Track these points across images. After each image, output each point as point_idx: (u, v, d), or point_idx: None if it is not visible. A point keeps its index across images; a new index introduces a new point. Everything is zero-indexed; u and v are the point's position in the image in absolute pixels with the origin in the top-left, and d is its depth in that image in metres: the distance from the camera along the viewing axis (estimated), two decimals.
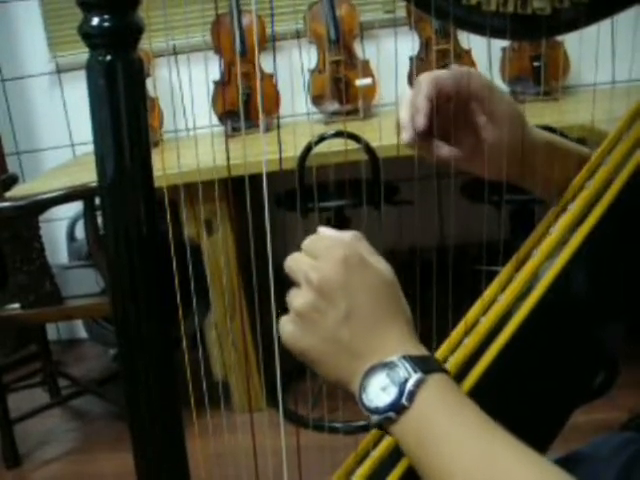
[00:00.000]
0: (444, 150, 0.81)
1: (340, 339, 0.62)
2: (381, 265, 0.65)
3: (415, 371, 0.59)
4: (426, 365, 0.60)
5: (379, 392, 0.60)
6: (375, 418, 0.60)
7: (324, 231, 0.66)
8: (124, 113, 0.63)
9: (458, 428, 0.58)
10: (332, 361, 0.63)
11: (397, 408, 0.58)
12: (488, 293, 0.76)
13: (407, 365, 0.59)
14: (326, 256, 0.63)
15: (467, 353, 0.73)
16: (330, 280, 0.62)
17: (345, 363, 0.62)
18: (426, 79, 0.79)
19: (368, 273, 0.63)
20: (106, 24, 0.61)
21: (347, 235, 0.65)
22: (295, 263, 0.65)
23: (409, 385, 0.58)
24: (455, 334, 0.75)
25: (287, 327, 0.64)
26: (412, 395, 0.58)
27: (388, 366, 0.60)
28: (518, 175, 0.84)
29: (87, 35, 0.62)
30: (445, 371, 0.62)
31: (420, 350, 0.62)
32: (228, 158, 0.86)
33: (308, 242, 0.66)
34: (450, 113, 0.80)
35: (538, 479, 0.54)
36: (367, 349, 0.62)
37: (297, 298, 0.63)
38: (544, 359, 0.71)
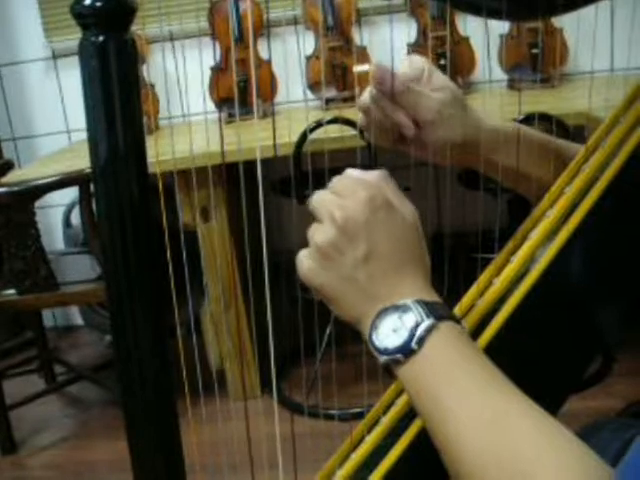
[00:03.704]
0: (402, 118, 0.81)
1: (356, 279, 0.62)
2: (405, 208, 0.65)
3: (427, 316, 0.59)
4: (439, 312, 0.60)
5: (390, 333, 0.60)
6: (383, 358, 0.60)
7: (351, 171, 0.66)
8: (117, 94, 0.62)
9: (465, 376, 0.58)
10: (346, 299, 0.63)
11: (406, 351, 0.59)
12: (484, 277, 0.76)
13: (420, 310, 0.60)
14: (351, 195, 0.63)
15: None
16: (353, 219, 0.62)
17: (359, 303, 0.63)
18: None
19: (391, 216, 0.63)
20: (98, 4, 0.60)
21: (374, 175, 0.65)
22: (320, 200, 0.65)
23: (420, 330, 0.59)
24: None
25: (305, 262, 0.64)
26: (422, 340, 0.59)
27: (401, 309, 0.60)
28: (464, 161, 0.86)
29: (79, 15, 0.61)
30: (458, 320, 0.62)
31: (434, 297, 0.63)
32: (222, 144, 0.86)
33: (335, 181, 0.66)
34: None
35: (546, 432, 0.54)
36: (382, 292, 0.62)
37: (318, 234, 0.63)
38: (539, 343, 0.71)
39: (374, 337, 0.61)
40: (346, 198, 0.63)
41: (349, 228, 0.62)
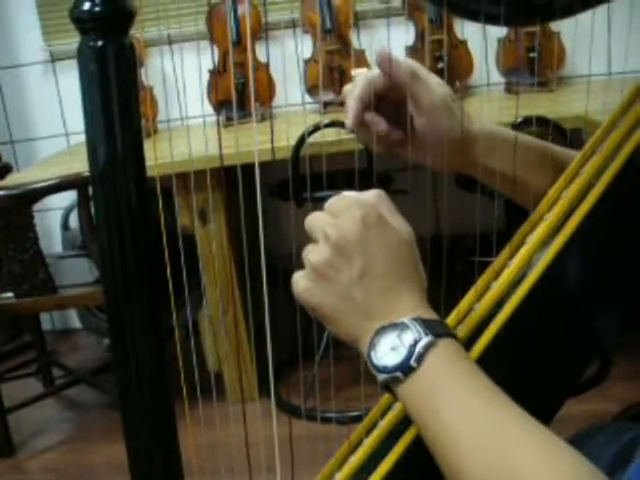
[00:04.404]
0: (382, 126, 0.81)
1: (353, 298, 0.62)
2: (401, 226, 0.65)
3: (426, 334, 0.59)
4: (437, 329, 0.60)
5: (388, 352, 0.60)
6: (382, 377, 0.60)
7: (347, 193, 0.66)
8: (115, 98, 0.62)
9: (463, 392, 0.58)
10: (344, 318, 0.63)
11: (405, 369, 0.59)
12: (481, 281, 0.76)
13: (418, 327, 0.60)
14: (345, 214, 0.63)
15: (460, 340, 0.72)
16: (348, 238, 0.62)
17: (356, 322, 0.63)
18: (359, 80, 0.81)
19: (386, 234, 0.63)
20: (97, 8, 0.60)
21: (369, 194, 0.65)
22: (315, 220, 0.65)
23: (419, 347, 0.59)
24: (448, 322, 0.75)
25: (301, 282, 0.64)
26: (421, 357, 0.59)
27: (399, 327, 0.60)
28: (460, 165, 0.85)
29: (78, 20, 0.61)
30: (455, 337, 0.62)
31: (431, 314, 0.63)
32: (220, 147, 0.86)
33: (330, 201, 0.65)
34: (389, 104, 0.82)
35: (543, 447, 0.54)
36: (379, 310, 0.62)
37: (314, 254, 0.63)
38: (537, 346, 0.71)
39: (373, 356, 0.61)
40: (340, 217, 0.63)
41: (344, 246, 0.62)
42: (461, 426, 0.57)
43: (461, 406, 0.58)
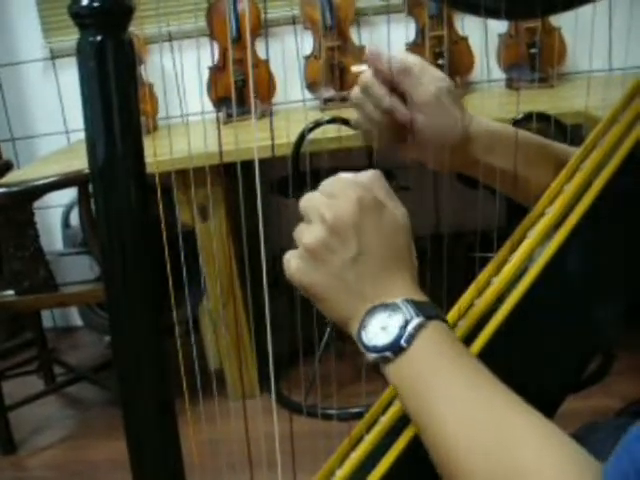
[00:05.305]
0: (403, 111, 0.81)
1: (346, 279, 0.62)
2: (397, 209, 0.65)
3: (417, 315, 0.60)
4: (428, 311, 0.61)
5: (379, 331, 0.60)
6: (372, 356, 0.61)
7: (343, 174, 0.66)
8: (115, 94, 0.62)
9: (453, 373, 0.59)
10: (335, 299, 0.63)
11: (395, 349, 0.59)
12: (482, 276, 0.76)
13: (409, 308, 0.60)
14: (341, 195, 0.63)
15: (461, 335, 0.72)
16: (343, 219, 0.62)
17: (348, 302, 0.63)
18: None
19: (381, 216, 0.63)
20: (96, 4, 0.60)
21: (365, 175, 0.65)
22: (309, 201, 0.65)
23: (409, 328, 0.59)
24: (449, 317, 0.75)
25: (293, 262, 0.64)
26: (411, 338, 0.59)
27: (390, 307, 0.61)
28: (460, 164, 0.85)
29: (77, 15, 0.61)
30: (445, 320, 0.62)
31: (422, 296, 0.63)
32: (220, 144, 0.86)
33: (325, 183, 0.65)
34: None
35: (534, 426, 0.54)
36: (372, 292, 0.62)
37: (308, 234, 0.63)
38: (538, 342, 0.71)
39: (363, 335, 0.61)
40: (336, 198, 0.63)
41: (339, 228, 0.62)
42: (450, 407, 0.57)
43: (450, 387, 0.58)
